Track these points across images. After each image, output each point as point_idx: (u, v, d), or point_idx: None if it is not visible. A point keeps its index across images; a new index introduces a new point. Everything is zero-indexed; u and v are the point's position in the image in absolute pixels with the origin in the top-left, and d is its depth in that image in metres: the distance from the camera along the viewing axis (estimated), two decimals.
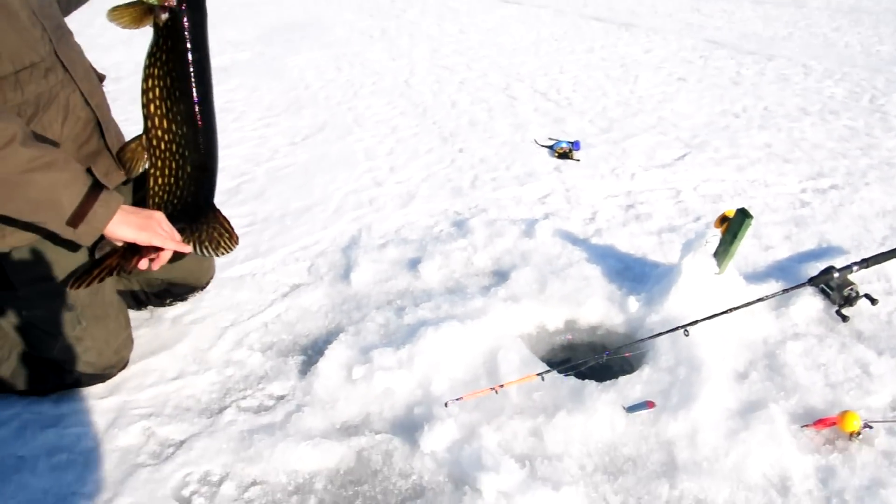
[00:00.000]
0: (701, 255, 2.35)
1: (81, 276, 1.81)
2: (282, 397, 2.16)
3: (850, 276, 2.41)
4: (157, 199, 1.92)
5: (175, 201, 1.93)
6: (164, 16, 1.74)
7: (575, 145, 3.99)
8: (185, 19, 1.75)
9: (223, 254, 1.98)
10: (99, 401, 2.18)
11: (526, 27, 8.19)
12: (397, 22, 9.06)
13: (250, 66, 6.73)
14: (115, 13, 1.71)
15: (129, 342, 2.28)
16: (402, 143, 4.38)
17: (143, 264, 1.84)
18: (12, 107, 1.77)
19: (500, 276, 2.68)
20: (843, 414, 1.86)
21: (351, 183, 3.76)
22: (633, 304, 2.42)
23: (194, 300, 2.62)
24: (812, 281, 2.40)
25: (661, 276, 2.50)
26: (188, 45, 1.77)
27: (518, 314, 2.41)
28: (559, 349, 2.41)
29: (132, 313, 2.48)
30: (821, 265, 2.48)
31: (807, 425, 1.90)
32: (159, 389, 2.22)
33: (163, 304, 2.55)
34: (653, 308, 2.36)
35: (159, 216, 1.82)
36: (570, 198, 3.41)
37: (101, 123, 2.04)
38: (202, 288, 2.58)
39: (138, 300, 2.52)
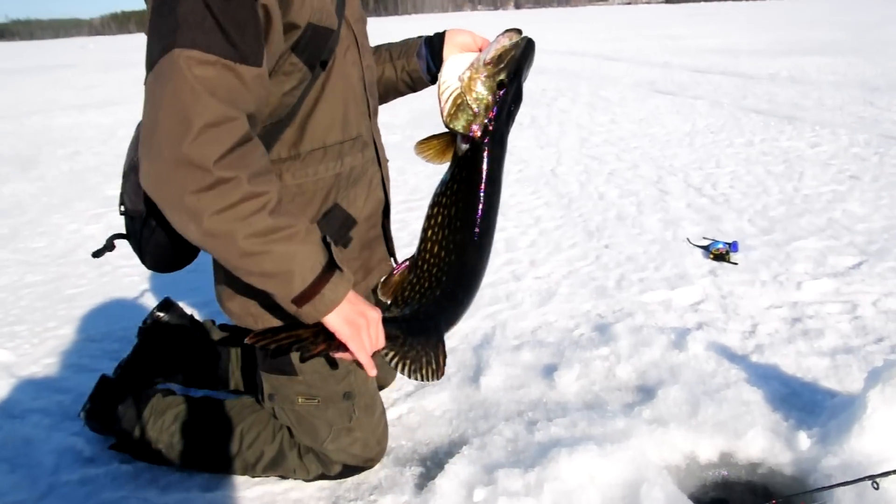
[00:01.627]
0: (892, 388, 1.98)
1: (264, 334, 1.66)
2: None
3: None
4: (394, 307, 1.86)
5: (408, 313, 1.83)
6: (465, 146, 1.75)
7: (733, 247, 3.66)
8: (486, 152, 1.74)
9: (416, 380, 1.78)
10: (203, 493, 2.08)
11: (681, 118, 7.92)
12: (548, 110, 9.04)
13: (399, 149, 6.88)
14: (422, 146, 1.79)
15: (386, 431, 2.17)
16: (544, 235, 4.21)
17: (334, 353, 1.68)
18: (331, 176, 1.78)
19: (646, 392, 2.40)
20: None
21: (489, 275, 3.57)
22: (804, 440, 2.07)
23: None
24: None
25: (838, 409, 2.14)
26: (483, 178, 1.76)
27: (665, 441, 2.12)
28: (711, 487, 2.09)
29: None
30: None
31: None
32: (266, 489, 2.09)
33: None
34: (829, 448, 2.00)
35: (373, 317, 1.64)
36: (726, 306, 3.09)
37: (388, 209, 2.04)
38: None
39: None
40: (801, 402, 2.32)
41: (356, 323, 1.60)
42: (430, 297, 1.81)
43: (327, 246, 1.57)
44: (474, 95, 1.73)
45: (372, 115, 1.92)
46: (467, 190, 1.75)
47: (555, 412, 2.33)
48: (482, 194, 1.76)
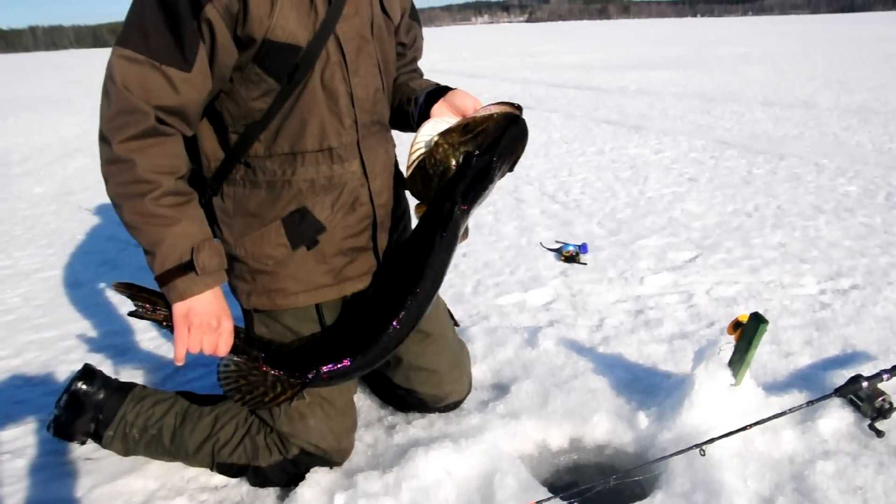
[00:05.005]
0: (714, 364, 2.17)
1: (132, 286, 1.77)
2: None
3: (881, 386, 2.19)
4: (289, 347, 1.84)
5: (295, 347, 1.82)
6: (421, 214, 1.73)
7: (582, 248, 3.87)
8: (435, 226, 1.65)
9: (234, 401, 1.77)
10: None
11: (537, 130, 8.26)
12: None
13: None
14: (419, 209, 1.76)
15: (351, 430, 2.15)
16: None
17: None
18: (301, 180, 1.86)
19: (500, 389, 2.51)
20: None
21: None
22: (643, 419, 2.23)
23: None
24: (839, 391, 2.19)
25: (672, 389, 2.32)
26: (426, 252, 1.67)
27: (517, 432, 2.22)
28: (563, 471, 2.21)
29: None
30: (847, 373, 2.28)
31: None
32: None
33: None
34: (664, 424, 2.16)
35: (224, 327, 1.74)
36: (575, 304, 3.26)
37: (377, 223, 2.00)
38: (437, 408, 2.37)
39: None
40: (642, 385, 2.49)
41: (193, 322, 1.71)
42: (329, 343, 1.77)
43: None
44: (433, 161, 1.59)
45: (361, 129, 1.89)
46: (408, 259, 1.66)
47: (414, 415, 2.38)
48: (422, 269, 1.62)
